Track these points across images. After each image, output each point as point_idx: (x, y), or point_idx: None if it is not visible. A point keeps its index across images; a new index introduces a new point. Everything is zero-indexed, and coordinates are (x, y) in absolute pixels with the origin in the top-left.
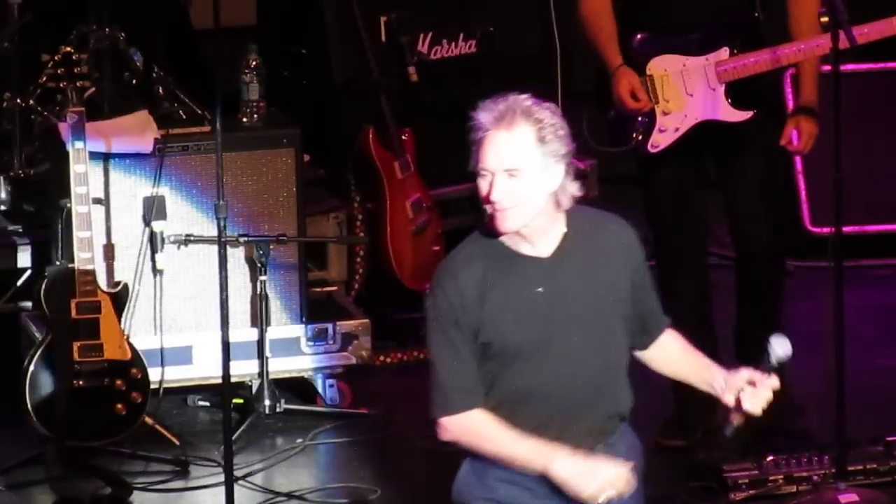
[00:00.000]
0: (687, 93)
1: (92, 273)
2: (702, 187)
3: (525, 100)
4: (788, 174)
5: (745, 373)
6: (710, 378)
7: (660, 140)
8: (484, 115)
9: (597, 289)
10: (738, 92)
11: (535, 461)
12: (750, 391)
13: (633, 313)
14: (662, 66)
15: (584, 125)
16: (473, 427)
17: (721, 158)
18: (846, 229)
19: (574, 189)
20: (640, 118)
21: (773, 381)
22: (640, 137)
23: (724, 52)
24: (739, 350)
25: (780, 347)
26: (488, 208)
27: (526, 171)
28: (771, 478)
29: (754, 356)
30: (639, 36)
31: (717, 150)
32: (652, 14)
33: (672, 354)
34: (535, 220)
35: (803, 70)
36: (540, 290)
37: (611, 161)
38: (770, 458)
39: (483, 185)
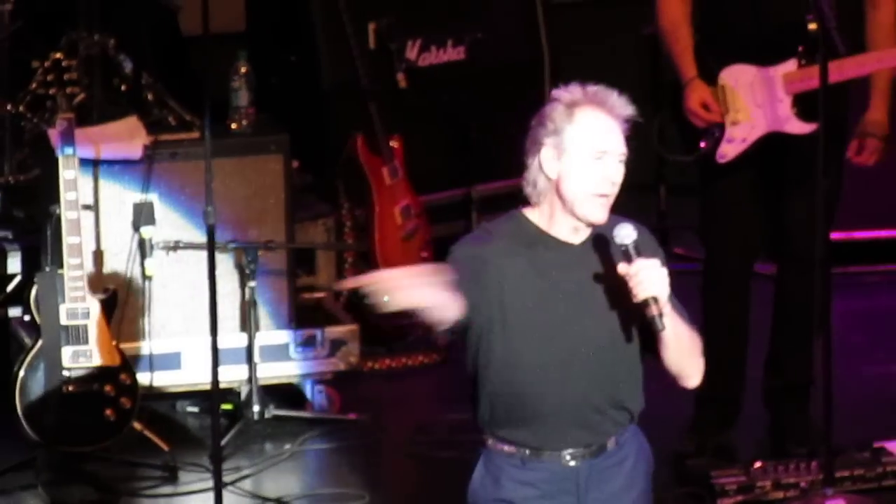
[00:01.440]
0: (756, 104)
1: (81, 279)
2: (759, 202)
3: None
4: None
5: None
6: None
7: (728, 150)
8: (591, 99)
9: (618, 283)
10: (805, 104)
11: None
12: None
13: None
14: (734, 76)
15: (655, 133)
16: None
17: (781, 168)
18: (834, 235)
19: None
20: (710, 128)
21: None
22: (709, 147)
23: (792, 64)
24: (769, 371)
25: (625, 235)
26: (587, 194)
27: (625, 158)
28: (759, 484)
29: (781, 377)
30: (712, 45)
31: (779, 159)
32: (726, 25)
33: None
34: None
35: (874, 85)
36: (566, 276)
37: None
38: (758, 464)
39: (598, 168)
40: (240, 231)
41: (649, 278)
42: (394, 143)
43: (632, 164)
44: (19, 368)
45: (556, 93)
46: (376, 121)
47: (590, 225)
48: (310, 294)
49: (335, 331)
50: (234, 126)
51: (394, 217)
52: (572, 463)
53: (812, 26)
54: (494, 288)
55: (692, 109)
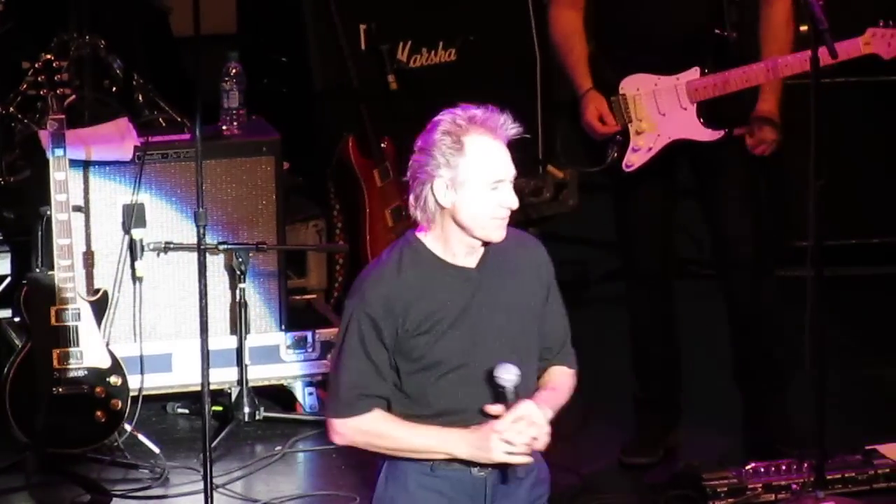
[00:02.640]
0: (659, 112)
1: (72, 280)
2: (673, 207)
3: (490, 107)
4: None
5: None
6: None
7: (634, 159)
8: (476, 126)
9: (516, 302)
10: (709, 111)
11: (437, 450)
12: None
13: (539, 332)
14: (635, 85)
15: (558, 143)
16: (368, 427)
17: (698, 176)
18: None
19: None
20: (614, 137)
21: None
22: (616, 156)
23: (695, 72)
24: (739, 371)
25: (506, 375)
26: (487, 220)
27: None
28: (750, 486)
29: (754, 377)
30: (610, 54)
31: (694, 168)
32: (624, 34)
33: (541, 384)
34: None
35: (765, 84)
36: (465, 301)
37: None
38: (749, 466)
39: (497, 195)
40: (231, 232)
41: (534, 424)
42: (385, 145)
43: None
44: (9, 370)
45: (440, 121)
46: (367, 122)
47: (495, 241)
48: (301, 296)
49: (326, 332)
50: (225, 128)
51: (384, 218)
52: (481, 473)
53: (803, 28)
54: (400, 326)
55: (588, 122)
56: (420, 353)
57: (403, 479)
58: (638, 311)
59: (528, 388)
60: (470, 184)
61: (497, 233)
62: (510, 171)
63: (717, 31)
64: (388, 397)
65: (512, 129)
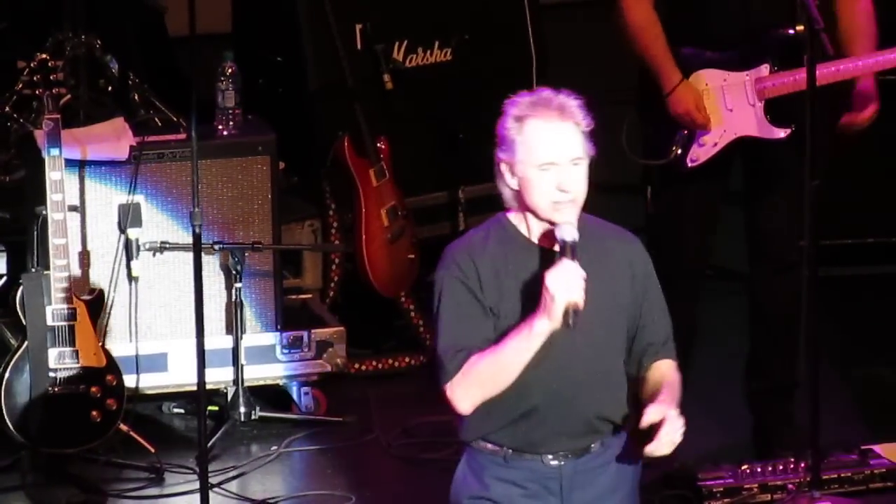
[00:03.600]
0: (727, 108)
1: (67, 280)
2: (721, 207)
3: (557, 92)
4: None
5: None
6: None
7: (699, 154)
8: (529, 109)
9: (603, 292)
10: (776, 109)
11: (524, 341)
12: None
13: (633, 328)
14: (703, 80)
15: (624, 136)
16: (467, 373)
17: (751, 171)
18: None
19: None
20: (680, 132)
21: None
22: (680, 151)
23: (764, 69)
24: (750, 374)
25: (567, 233)
26: (549, 203)
27: (583, 158)
28: (746, 486)
29: (764, 380)
30: (681, 50)
31: (751, 163)
32: (693, 28)
33: (652, 380)
34: None
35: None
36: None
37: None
38: (745, 466)
39: (547, 178)
40: (226, 232)
41: (564, 282)
42: (380, 145)
43: (618, 166)
44: (4, 370)
45: (507, 105)
46: (363, 122)
47: (561, 244)
48: (296, 296)
49: (322, 332)
50: (220, 127)
51: (380, 218)
52: (554, 462)
53: (799, 28)
54: (491, 296)
55: (684, 112)
56: (503, 328)
57: (480, 470)
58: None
59: (611, 380)
60: (523, 166)
61: (561, 216)
62: (565, 153)
63: (788, 29)
64: (484, 345)
65: (575, 112)
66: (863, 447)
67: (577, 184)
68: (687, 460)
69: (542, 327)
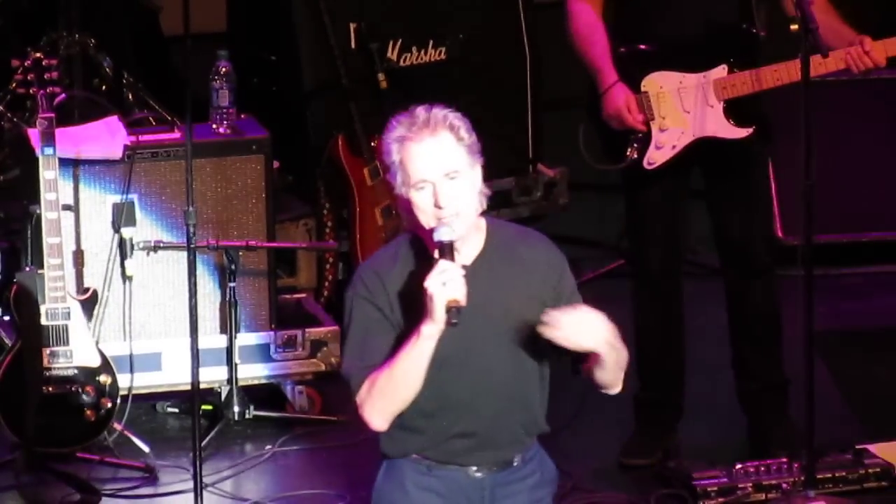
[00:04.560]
0: (684, 110)
1: (61, 279)
2: (685, 205)
3: (430, 107)
4: None
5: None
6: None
7: (657, 157)
8: (402, 130)
9: (513, 301)
10: (736, 108)
11: (417, 350)
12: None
13: None
14: (658, 83)
15: (581, 141)
16: (371, 386)
17: (711, 173)
18: (817, 238)
19: (485, 188)
20: (635, 135)
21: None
22: (636, 154)
23: (722, 70)
24: (739, 375)
25: (443, 234)
26: (433, 220)
27: (461, 171)
28: (740, 486)
29: (753, 381)
30: (633, 51)
31: (709, 164)
32: (647, 30)
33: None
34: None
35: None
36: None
37: (581, 169)
38: (739, 465)
39: (424, 196)
40: (220, 232)
41: (441, 280)
42: (375, 144)
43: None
44: None
45: (385, 131)
46: (357, 121)
47: (438, 245)
48: (290, 294)
49: (316, 332)
50: (214, 126)
51: (375, 217)
52: (478, 474)
53: (794, 27)
54: (399, 314)
55: (615, 113)
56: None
57: (401, 478)
58: (645, 311)
59: (531, 388)
60: (405, 189)
61: (445, 232)
62: (437, 169)
63: (745, 28)
64: None
65: (443, 125)
66: (857, 447)
67: (455, 198)
68: (682, 460)
69: (429, 331)
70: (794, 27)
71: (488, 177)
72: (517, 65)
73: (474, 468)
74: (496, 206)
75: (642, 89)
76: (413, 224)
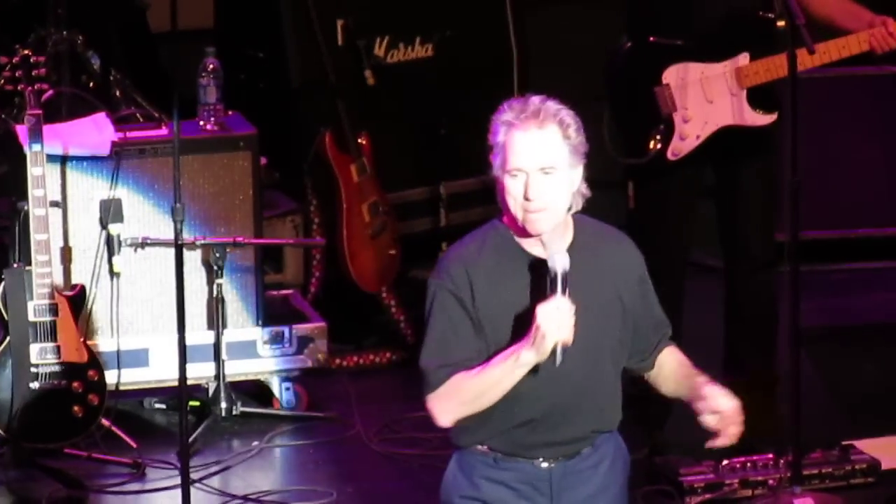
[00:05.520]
0: (707, 100)
1: (49, 275)
2: (699, 201)
3: (546, 99)
4: None
5: (722, 398)
6: (697, 395)
7: (681, 147)
8: (511, 115)
9: (596, 301)
10: (758, 96)
11: (508, 369)
12: (724, 422)
13: (632, 330)
14: (679, 74)
15: (605, 134)
16: (450, 389)
17: (725, 165)
18: (803, 234)
19: (585, 190)
20: (658, 127)
21: (734, 414)
22: (660, 146)
23: (744, 58)
24: (729, 371)
25: (558, 263)
26: (520, 210)
27: (558, 168)
28: (727, 482)
29: (743, 377)
30: (655, 43)
31: (724, 157)
32: (669, 20)
33: (667, 371)
34: (557, 225)
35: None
36: (544, 294)
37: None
38: (726, 462)
39: (516, 184)
40: (208, 228)
41: (556, 320)
42: (362, 140)
43: (599, 163)
44: None
45: (497, 111)
46: (344, 118)
47: (535, 235)
48: (277, 291)
49: (303, 328)
50: (202, 123)
51: (362, 214)
52: (545, 465)
53: (781, 23)
54: (485, 306)
55: None
56: (493, 339)
57: (469, 471)
58: None
59: (606, 389)
60: (500, 172)
61: (531, 226)
62: (533, 161)
63: (765, 16)
64: (472, 361)
65: (551, 119)
66: (844, 443)
67: (545, 194)
68: (669, 456)
69: (527, 358)
70: (780, 23)
71: (474, 173)
72: (504, 62)
73: (541, 459)
74: (483, 201)
75: (664, 81)
76: (504, 208)
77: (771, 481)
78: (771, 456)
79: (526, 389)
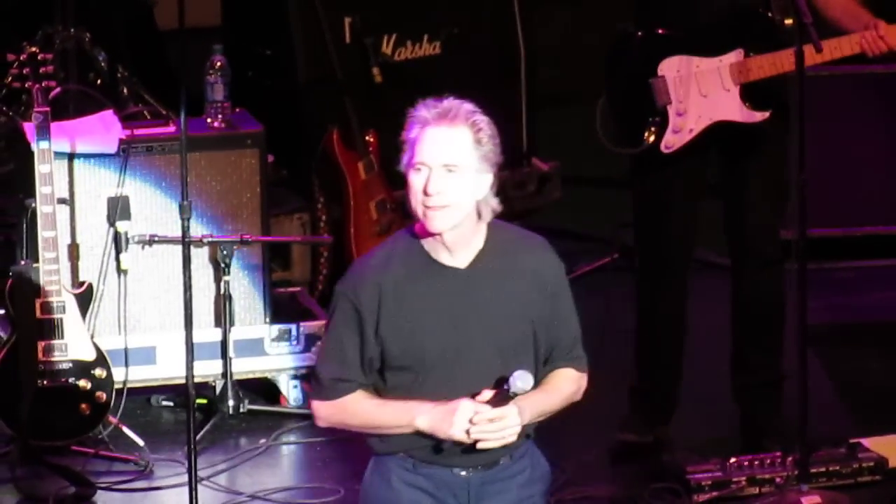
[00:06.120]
0: (701, 94)
1: (57, 273)
2: (702, 195)
3: (465, 103)
4: None
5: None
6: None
7: (673, 141)
8: (424, 112)
9: (506, 305)
10: (753, 92)
11: (401, 422)
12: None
13: (544, 337)
14: (674, 67)
15: (598, 125)
16: (342, 407)
17: (729, 160)
18: (810, 232)
19: (495, 204)
20: (652, 118)
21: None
22: (653, 138)
23: (738, 54)
24: (737, 371)
25: (521, 381)
26: (420, 206)
27: (462, 168)
28: (734, 479)
29: (751, 376)
30: (651, 35)
31: (726, 151)
32: (664, 14)
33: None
34: (459, 228)
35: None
36: (452, 301)
37: (573, 163)
38: (733, 459)
39: (418, 179)
40: (215, 225)
41: (504, 430)
42: (369, 138)
43: (607, 162)
44: None
45: (416, 109)
46: (352, 115)
47: (434, 233)
48: (285, 288)
49: (310, 325)
50: (209, 120)
51: (369, 212)
52: (463, 474)
53: (788, 21)
54: (389, 317)
55: None
56: (399, 351)
57: (387, 475)
58: (651, 302)
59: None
60: (406, 168)
61: (430, 222)
62: (436, 157)
63: (760, 12)
64: (368, 385)
65: (460, 118)
66: (851, 441)
67: (446, 191)
68: (676, 453)
69: (422, 426)
70: (788, 21)
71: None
72: (512, 59)
73: (458, 468)
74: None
75: (659, 73)
76: (409, 208)
77: (778, 479)
78: (778, 454)
79: (439, 397)
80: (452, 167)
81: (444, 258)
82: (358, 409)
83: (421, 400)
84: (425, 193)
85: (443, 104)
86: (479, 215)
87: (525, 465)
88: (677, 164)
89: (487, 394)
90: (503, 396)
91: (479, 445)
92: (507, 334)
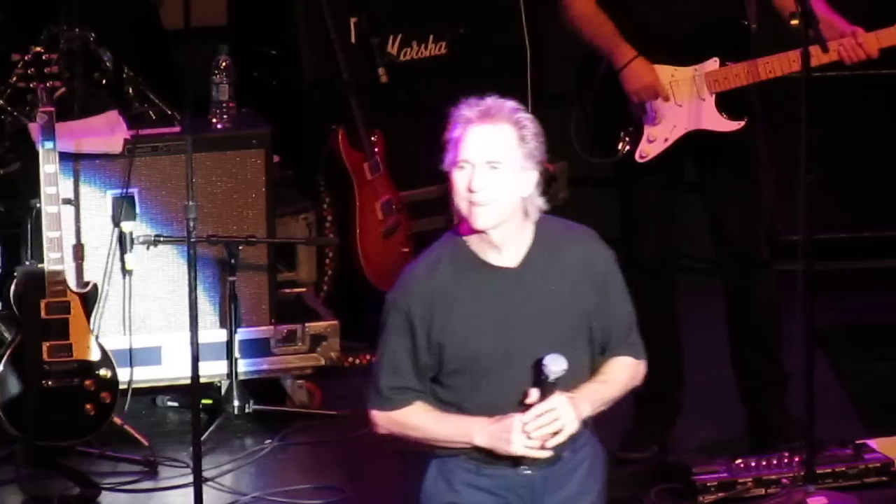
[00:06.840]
0: (676, 103)
1: (62, 273)
2: (679, 198)
3: (508, 101)
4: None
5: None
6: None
7: (649, 150)
8: (467, 110)
9: (558, 301)
10: (728, 101)
11: (459, 439)
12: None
13: (599, 327)
14: None
15: (573, 134)
16: (400, 419)
17: (705, 167)
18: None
19: (541, 203)
20: (627, 128)
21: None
22: (628, 148)
23: (714, 63)
24: (740, 374)
25: (554, 365)
26: (464, 203)
27: (506, 166)
28: (740, 480)
29: (753, 379)
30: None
31: (702, 158)
32: (638, 23)
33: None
34: (505, 226)
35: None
36: (504, 301)
37: (580, 163)
38: (739, 460)
39: (462, 176)
40: (220, 226)
41: (558, 419)
42: (375, 138)
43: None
44: None
45: (458, 107)
46: (357, 115)
47: (479, 230)
48: (290, 289)
49: (316, 326)
50: (215, 120)
51: (375, 212)
52: (527, 472)
53: (794, 22)
54: (440, 323)
55: (642, 86)
56: (454, 355)
57: (450, 477)
58: (639, 303)
59: (576, 385)
60: (449, 167)
61: (474, 219)
62: (480, 154)
63: (736, 21)
64: (425, 391)
65: (502, 117)
66: (857, 441)
67: (489, 187)
68: (681, 454)
69: (480, 443)
70: (794, 22)
71: None
72: (517, 60)
73: (523, 466)
74: None
75: None
76: (454, 208)
77: (784, 479)
78: (785, 454)
79: (502, 402)
80: (496, 164)
81: (493, 258)
82: (417, 422)
83: (478, 401)
84: (469, 190)
85: (485, 102)
86: (526, 213)
87: (586, 454)
88: (654, 171)
89: (534, 393)
90: (547, 388)
91: (547, 445)
92: (562, 330)
